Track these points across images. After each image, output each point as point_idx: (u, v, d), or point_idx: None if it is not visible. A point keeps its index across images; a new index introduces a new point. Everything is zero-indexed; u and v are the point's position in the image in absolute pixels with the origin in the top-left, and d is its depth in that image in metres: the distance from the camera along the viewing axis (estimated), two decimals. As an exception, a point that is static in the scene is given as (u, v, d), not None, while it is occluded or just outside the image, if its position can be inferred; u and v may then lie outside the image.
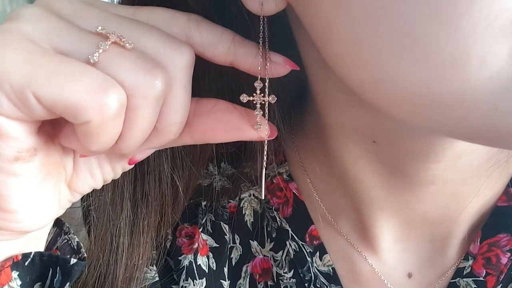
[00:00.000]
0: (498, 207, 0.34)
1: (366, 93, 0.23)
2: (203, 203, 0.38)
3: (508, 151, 0.32)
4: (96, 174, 0.27)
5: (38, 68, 0.20)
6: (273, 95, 0.27)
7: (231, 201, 0.38)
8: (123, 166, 0.28)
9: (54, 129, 0.24)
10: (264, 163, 0.29)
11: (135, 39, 0.22)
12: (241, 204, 0.38)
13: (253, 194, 0.39)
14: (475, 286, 0.33)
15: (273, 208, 0.37)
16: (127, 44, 0.22)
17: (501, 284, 0.33)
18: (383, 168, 0.32)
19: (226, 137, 0.26)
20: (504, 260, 0.33)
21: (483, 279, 0.33)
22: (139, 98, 0.21)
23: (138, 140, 0.23)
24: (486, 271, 0.33)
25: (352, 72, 0.23)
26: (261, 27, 0.26)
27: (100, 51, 0.21)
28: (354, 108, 0.29)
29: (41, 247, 0.27)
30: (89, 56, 0.21)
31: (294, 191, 0.37)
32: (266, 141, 0.27)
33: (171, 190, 0.34)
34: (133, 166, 0.28)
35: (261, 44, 0.26)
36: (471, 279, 0.33)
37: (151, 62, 0.22)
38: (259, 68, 0.25)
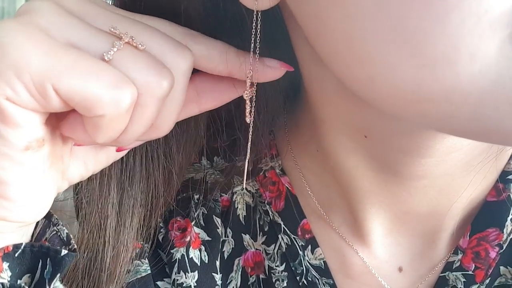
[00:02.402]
0: (487, 202, 0.34)
1: (359, 89, 0.23)
2: (196, 197, 0.38)
3: (497, 147, 0.32)
4: (88, 164, 0.28)
5: (58, 61, 0.21)
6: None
7: (224, 194, 0.38)
8: (116, 155, 0.29)
9: (57, 120, 0.25)
10: (248, 150, 0.30)
11: (144, 41, 0.24)
12: (234, 197, 0.38)
13: (246, 188, 0.39)
14: (464, 280, 0.34)
15: (266, 202, 0.38)
16: (140, 45, 0.23)
17: (489, 278, 0.33)
18: (375, 163, 0.32)
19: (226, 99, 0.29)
20: (492, 254, 0.33)
21: (472, 273, 0.33)
22: (148, 96, 0.23)
23: (138, 134, 0.25)
24: (475, 265, 0.33)
25: (345, 68, 0.23)
26: (254, 22, 0.26)
27: (115, 49, 0.23)
28: (346, 103, 0.29)
29: (27, 239, 0.27)
30: (104, 54, 0.22)
31: (286, 185, 0.37)
32: (251, 131, 0.29)
33: (162, 172, 0.34)
34: (127, 151, 0.30)
35: (253, 38, 0.27)
36: (460, 273, 0.34)
37: (161, 63, 0.23)
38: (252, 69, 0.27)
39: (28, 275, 0.25)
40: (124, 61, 0.23)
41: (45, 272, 0.25)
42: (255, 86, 0.29)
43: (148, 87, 0.23)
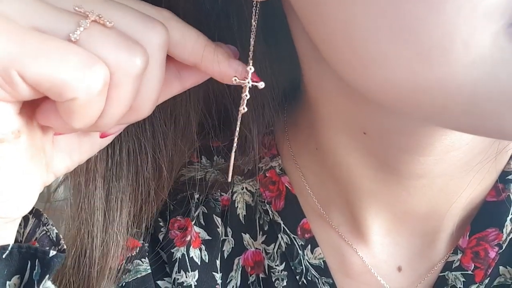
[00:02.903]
0: (487, 202, 0.34)
1: (354, 79, 0.23)
2: (196, 196, 0.38)
3: (496, 147, 0.32)
4: (73, 154, 0.27)
5: (21, 47, 0.20)
6: (262, 82, 0.27)
7: (224, 194, 0.39)
8: (101, 143, 0.28)
9: (32, 110, 0.24)
10: (236, 139, 0.30)
11: (111, 18, 0.22)
12: (234, 197, 0.38)
13: (246, 187, 0.39)
14: (464, 279, 0.34)
15: (266, 201, 0.38)
16: (107, 22, 0.22)
17: (489, 278, 0.33)
18: (374, 161, 0.32)
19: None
20: (492, 254, 0.33)
21: (471, 273, 0.34)
22: (122, 75, 0.22)
23: (117, 117, 0.23)
24: (474, 265, 0.34)
25: (341, 56, 0.23)
26: (253, 11, 0.26)
27: (81, 29, 0.21)
28: (345, 100, 0.29)
29: (11, 239, 0.26)
30: (70, 34, 0.21)
31: (286, 185, 0.38)
32: (240, 114, 0.29)
33: (151, 166, 0.34)
34: (109, 142, 0.29)
35: (253, 28, 0.27)
36: (459, 272, 0.34)
37: (131, 40, 0.22)
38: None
39: (17, 276, 0.25)
40: (92, 40, 0.21)
41: (34, 274, 0.25)
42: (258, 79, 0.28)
43: (120, 66, 0.22)
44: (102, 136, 0.27)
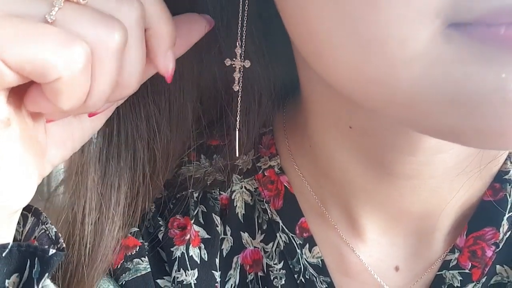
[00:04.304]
0: (484, 201, 0.34)
1: (318, 69, 0.24)
2: (195, 195, 0.38)
3: (485, 151, 0.32)
4: (66, 142, 0.27)
5: (2, 32, 0.20)
6: (247, 60, 0.31)
7: (223, 193, 0.39)
8: (93, 128, 0.28)
9: (20, 99, 0.24)
10: (238, 118, 0.33)
11: None
12: (233, 196, 0.39)
13: (245, 187, 0.39)
14: (461, 278, 0.34)
15: (264, 200, 0.38)
16: (81, 0, 0.22)
17: (486, 277, 0.34)
18: (364, 158, 0.32)
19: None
20: (489, 253, 0.34)
21: (468, 271, 0.34)
22: (102, 51, 0.22)
23: (105, 95, 0.24)
24: (471, 264, 0.34)
25: (300, 39, 0.25)
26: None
27: (56, 9, 0.21)
28: (329, 93, 0.30)
29: (10, 237, 0.26)
30: (46, 16, 0.21)
31: (285, 184, 0.38)
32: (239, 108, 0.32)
33: (147, 152, 0.34)
34: (100, 127, 0.29)
35: (240, 13, 0.29)
36: (457, 271, 0.34)
37: (107, 15, 0.22)
38: None
39: (16, 274, 0.25)
40: (68, 19, 0.22)
41: (33, 272, 0.25)
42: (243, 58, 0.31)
43: (99, 42, 0.22)
44: (91, 115, 0.27)
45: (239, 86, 0.31)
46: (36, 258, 0.25)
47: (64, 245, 0.27)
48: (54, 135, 0.27)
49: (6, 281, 0.24)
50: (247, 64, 0.31)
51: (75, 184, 0.32)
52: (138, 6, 0.24)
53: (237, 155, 0.34)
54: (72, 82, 0.21)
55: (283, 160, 0.39)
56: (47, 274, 0.25)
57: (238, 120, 0.33)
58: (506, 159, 0.35)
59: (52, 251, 0.25)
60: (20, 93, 0.24)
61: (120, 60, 0.23)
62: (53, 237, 0.27)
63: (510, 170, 0.34)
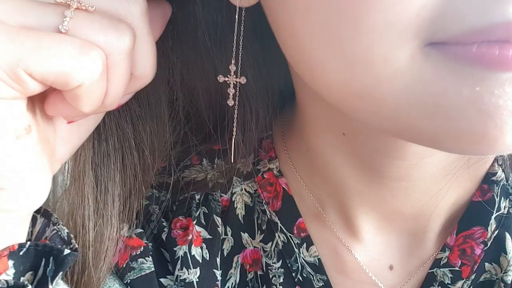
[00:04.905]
0: (473, 202, 0.36)
1: (305, 78, 0.26)
2: (197, 197, 0.40)
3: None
4: (73, 138, 0.29)
5: (21, 46, 0.21)
6: (243, 77, 0.32)
7: (224, 195, 0.40)
8: (94, 123, 0.30)
9: (35, 103, 0.26)
10: (234, 128, 0.34)
11: (91, 1, 0.24)
12: (233, 198, 0.40)
13: (245, 189, 0.40)
14: (451, 275, 0.35)
15: (264, 202, 0.40)
16: (89, 7, 0.23)
17: (475, 274, 0.35)
18: (357, 162, 0.34)
19: None
20: (478, 251, 0.35)
21: (458, 269, 0.35)
22: (115, 54, 0.23)
23: (121, 92, 0.25)
24: (461, 262, 0.35)
25: (293, 58, 0.27)
26: (236, 15, 0.29)
27: (68, 19, 0.23)
28: (323, 102, 0.32)
29: (23, 238, 0.28)
30: (59, 26, 0.23)
31: (283, 186, 0.39)
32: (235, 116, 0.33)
33: (136, 152, 0.35)
34: (103, 115, 0.31)
35: (235, 33, 0.30)
36: (447, 269, 0.36)
37: (115, 19, 0.24)
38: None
39: (31, 272, 0.26)
40: (80, 27, 0.23)
41: (47, 270, 0.26)
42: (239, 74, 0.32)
43: (112, 47, 0.23)
44: (118, 107, 0.29)
45: (236, 101, 0.32)
46: (51, 258, 0.26)
47: (76, 246, 0.28)
48: (61, 133, 0.28)
49: (21, 278, 0.26)
50: (243, 80, 0.32)
51: (73, 192, 0.33)
52: (141, 1, 0.25)
53: (232, 161, 0.36)
54: (92, 87, 0.23)
55: (282, 163, 0.40)
56: (61, 273, 0.26)
57: (234, 132, 0.34)
58: (493, 161, 0.36)
59: (67, 251, 0.26)
60: (34, 98, 0.25)
61: (131, 58, 0.25)
62: (66, 238, 0.28)
63: (497, 172, 0.36)
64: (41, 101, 0.26)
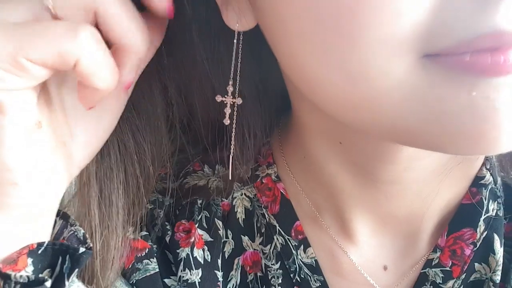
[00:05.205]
0: (462, 204, 0.37)
1: (308, 95, 0.28)
2: (199, 201, 0.42)
3: (461, 158, 0.36)
4: (89, 144, 0.31)
5: (18, 37, 0.24)
6: (239, 98, 0.34)
7: (225, 199, 0.42)
8: (111, 124, 0.32)
9: (51, 105, 0.28)
10: (232, 148, 0.36)
11: None
12: (234, 202, 0.42)
13: (245, 194, 0.42)
14: (442, 275, 0.37)
15: (263, 206, 0.41)
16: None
17: (465, 274, 0.36)
18: (352, 167, 0.36)
19: None
20: (467, 252, 0.37)
21: (449, 269, 0.37)
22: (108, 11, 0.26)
23: (133, 62, 0.28)
24: (452, 262, 0.37)
25: (293, 76, 0.28)
26: (234, 40, 0.31)
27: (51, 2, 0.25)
28: (321, 114, 0.33)
29: (46, 237, 0.29)
30: (45, 4, 0.25)
31: (281, 190, 0.41)
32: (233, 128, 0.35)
33: (137, 163, 0.37)
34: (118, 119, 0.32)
35: (234, 56, 0.32)
36: (439, 269, 0.37)
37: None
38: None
39: (48, 270, 0.28)
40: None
41: (64, 268, 0.28)
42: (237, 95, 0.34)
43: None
44: (126, 87, 0.30)
45: (233, 120, 0.34)
46: (68, 256, 0.28)
47: (91, 245, 0.30)
48: (79, 138, 0.30)
49: (39, 275, 0.28)
50: (239, 101, 0.34)
51: (79, 204, 0.35)
52: None
53: (229, 178, 0.38)
54: (93, 61, 0.25)
55: (280, 169, 0.42)
56: (76, 270, 0.28)
57: (232, 149, 0.36)
58: (482, 166, 0.38)
59: (82, 249, 0.28)
60: (49, 99, 0.28)
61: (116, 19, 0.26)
62: (81, 238, 0.30)
63: (485, 176, 0.37)
64: (57, 104, 0.28)
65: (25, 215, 0.28)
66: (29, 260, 0.27)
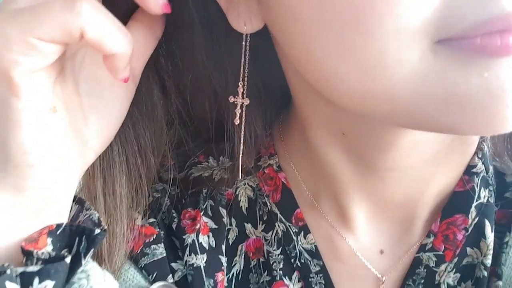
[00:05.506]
0: (455, 192, 0.39)
1: (322, 89, 0.29)
2: (204, 191, 0.44)
3: (459, 143, 0.37)
4: (105, 130, 0.33)
5: (23, 20, 0.26)
6: (247, 98, 0.36)
7: (228, 189, 0.44)
8: (124, 109, 0.34)
9: (67, 91, 0.30)
10: (241, 146, 0.38)
11: None
12: (237, 191, 0.44)
13: (248, 183, 0.44)
14: (436, 259, 0.39)
15: (265, 194, 0.43)
16: None
17: (457, 257, 0.38)
18: (353, 156, 0.37)
19: None
20: (459, 236, 0.38)
21: (442, 253, 0.39)
22: None
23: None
24: (444, 246, 0.39)
25: (310, 73, 0.29)
26: (243, 43, 0.32)
27: None
28: (324, 106, 0.35)
29: (64, 220, 0.32)
30: None
31: (282, 180, 0.43)
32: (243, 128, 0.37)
33: (139, 160, 0.39)
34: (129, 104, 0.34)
35: (244, 57, 0.33)
36: (432, 253, 0.39)
37: None
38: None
39: (66, 250, 0.30)
40: None
41: (80, 248, 0.30)
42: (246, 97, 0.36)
43: None
44: (126, 80, 0.31)
45: (242, 120, 0.36)
46: (84, 236, 0.30)
47: (106, 227, 0.31)
48: (94, 126, 0.32)
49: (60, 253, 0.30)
50: (247, 101, 0.36)
51: (86, 194, 0.37)
52: None
53: (239, 177, 0.40)
54: (97, 27, 0.27)
55: (281, 159, 0.44)
56: (92, 250, 0.30)
57: (241, 148, 0.38)
58: (474, 155, 0.39)
59: (97, 231, 0.30)
60: (65, 86, 0.30)
61: None
62: (96, 221, 0.32)
63: (477, 164, 0.39)
64: (73, 92, 0.31)
65: (42, 199, 0.30)
66: (49, 240, 0.29)
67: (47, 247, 0.29)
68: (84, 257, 0.29)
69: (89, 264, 0.30)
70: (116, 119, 0.34)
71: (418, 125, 0.26)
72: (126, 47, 0.29)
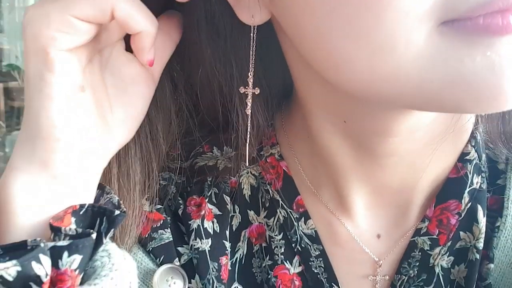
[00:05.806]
0: (449, 178, 0.41)
1: (330, 76, 0.30)
2: (209, 179, 0.45)
3: (454, 127, 0.39)
4: (129, 120, 0.36)
5: (63, 1, 0.29)
6: (257, 88, 0.38)
7: (232, 177, 0.46)
8: (146, 102, 0.37)
9: (92, 78, 0.33)
10: (248, 135, 0.40)
11: None
12: (240, 180, 0.46)
13: (251, 172, 0.46)
14: (430, 243, 0.40)
15: (267, 182, 0.45)
16: None
17: (451, 241, 0.40)
18: (353, 143, 0.39)
19: None
20: (453, 221, 0.40)
21: (436, 237, 0.40)
22: None
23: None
24: (438, 231, 0.40)
25: (319, 60, 0.31)
26: (251, 34, 0.34)
27: None
28: (327, 94, 0.37)
29: (88, 200, 0.34)
30: None
31: (284, 168, 0.45)
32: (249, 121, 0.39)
33: (151, 146, 0.41)
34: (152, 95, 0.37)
35: (252, 49, 0.35)
36: (427, 237, 0.41)
37: None
38: None
39: (88, 229, 0.32)
40: None
41: (101, 228, 0.32)
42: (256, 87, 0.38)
43: None
44: (151, 63, 0.35)
45: (249, 109, 0.38)
46: (105, 217, 0.32)
47: (125, 209, 0.33)
48: (118, 115, 0.35)
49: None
50: (257, 91, 0.38)
51: (101, 179, 0.38)
52: None
53: (247, 165, 0.42)
54: (126, 5, 0.30)
55: (282, 148, 0.46)
56: (112, 230, 0.32)
57: (248, 137, 0.40)
58: (467, 142, 0.41)
59: (117, 212, 0.32)
60: (94, 74, 0.32)
61: None
62: (116, 203, 0.34)
63: (470, 152, 0.41)
64: (100, 80, 0.33)
65: (66, 176, 0.32)
66: (73, 219, 0.31)
67: (71, 226, 0.31)
68: (105, 237, 0.31)
69: (109, 244, 0.32)
70: (138, 113, 0.36)
71: (424, 105, 0.27)
72: (150, 26, 0.32)
